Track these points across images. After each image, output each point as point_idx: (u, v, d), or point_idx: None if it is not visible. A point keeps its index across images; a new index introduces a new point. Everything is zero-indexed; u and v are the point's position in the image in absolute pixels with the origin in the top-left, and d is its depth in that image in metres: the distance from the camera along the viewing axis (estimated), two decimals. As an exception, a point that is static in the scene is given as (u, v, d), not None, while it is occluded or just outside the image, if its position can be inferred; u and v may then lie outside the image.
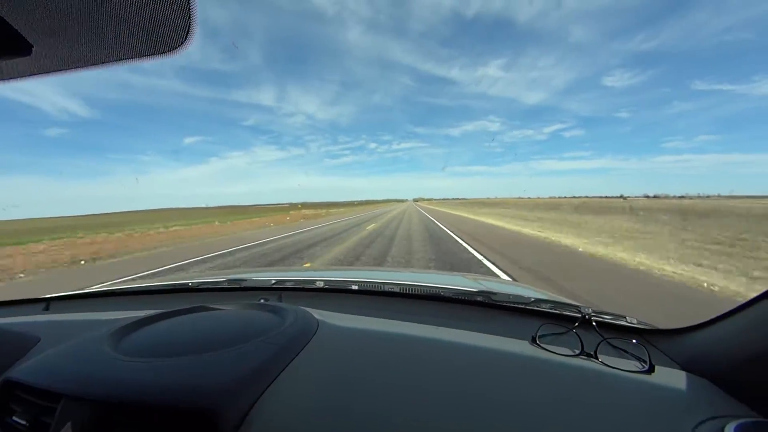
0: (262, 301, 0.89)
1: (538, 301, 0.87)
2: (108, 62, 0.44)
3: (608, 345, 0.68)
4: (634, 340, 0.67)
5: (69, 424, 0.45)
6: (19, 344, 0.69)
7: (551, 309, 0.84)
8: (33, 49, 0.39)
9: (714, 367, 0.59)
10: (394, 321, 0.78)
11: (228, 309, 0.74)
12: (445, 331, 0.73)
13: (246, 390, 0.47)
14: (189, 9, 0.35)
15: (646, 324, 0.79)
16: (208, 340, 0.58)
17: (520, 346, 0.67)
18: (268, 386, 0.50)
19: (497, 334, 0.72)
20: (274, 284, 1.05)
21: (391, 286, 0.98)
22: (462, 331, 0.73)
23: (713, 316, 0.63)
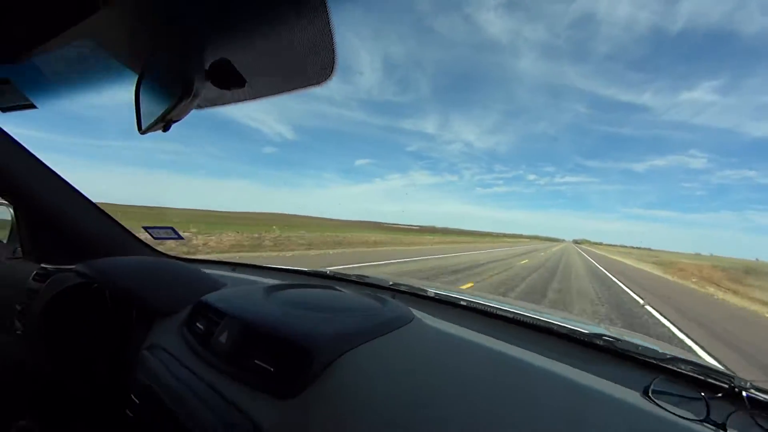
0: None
1: (675, 359, 0.67)
2: (278, 93, 0.56)
3: (752, 420, 0.55)
4: None
5: (225, 333, 0.70)
6: (214, 285, 1.06)
7: (690, 372, 0.64)
8: (246, 82, 0.52)
9: None
10: (490, 337, 0.76)
11: (348, 292, 0.95)
12: (539, 358, 0.66)
13: (340, 344, 0.62)
14: (333, 45, 0.44)
15: None
16: (328, 306, 0.79)
17: (629, 396, 0.57)
18: (357, 347, 0.63)
19: (603, 378, 0.61)
20: (390, 285, 1.18)
21: (500, 311, 0.93)
22: (559, 363, 0.65)
23: None
